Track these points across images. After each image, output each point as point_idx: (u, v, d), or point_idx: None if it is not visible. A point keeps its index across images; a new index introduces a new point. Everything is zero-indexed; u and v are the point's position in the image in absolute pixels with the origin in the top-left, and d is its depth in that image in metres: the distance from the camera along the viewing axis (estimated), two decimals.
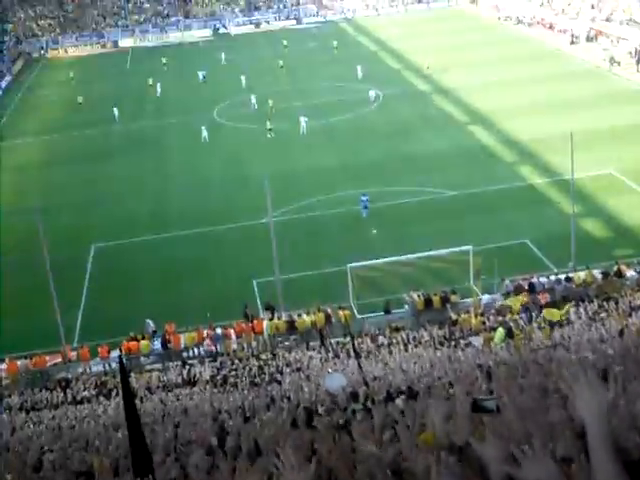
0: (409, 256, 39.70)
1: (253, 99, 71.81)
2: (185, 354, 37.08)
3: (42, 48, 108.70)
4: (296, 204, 49.06)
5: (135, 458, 7.66)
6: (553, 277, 38.72)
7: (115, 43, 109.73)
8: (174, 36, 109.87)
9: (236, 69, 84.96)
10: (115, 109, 72.50)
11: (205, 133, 64.19)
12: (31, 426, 26.42)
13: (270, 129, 63.69)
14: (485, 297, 38.12)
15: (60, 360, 36.73)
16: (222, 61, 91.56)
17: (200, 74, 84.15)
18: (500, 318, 35.46)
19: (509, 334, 31.43)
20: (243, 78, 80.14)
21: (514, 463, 3.93)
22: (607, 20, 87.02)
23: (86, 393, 32.90)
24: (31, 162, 64.80)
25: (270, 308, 38.13)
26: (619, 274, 38.18)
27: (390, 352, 32.22)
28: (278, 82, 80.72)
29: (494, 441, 4.20)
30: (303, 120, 63.91)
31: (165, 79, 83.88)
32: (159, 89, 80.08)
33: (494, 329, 33.23)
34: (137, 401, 28.55)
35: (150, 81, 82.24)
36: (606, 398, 3.72)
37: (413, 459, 5.40)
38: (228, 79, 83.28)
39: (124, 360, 32.40)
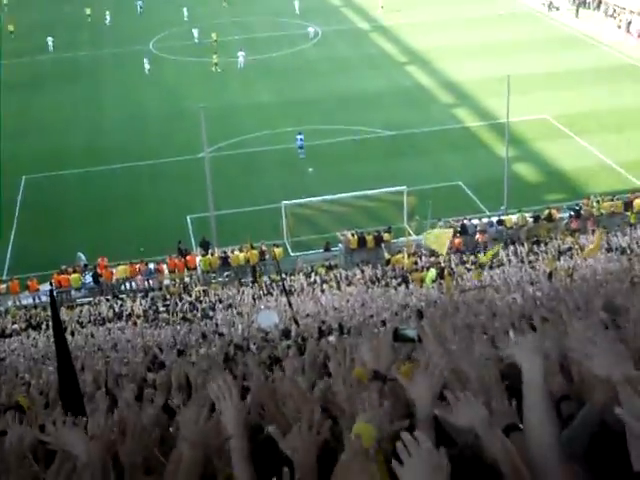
0: (344, 195, 39.81)
1: (195, 33, 70.41)
2: (117, 288, 36.89)
3: None
4: (233, 140, 48.67)
5: (64, 392, 7.59)
6: (485, 219, 39.23)
7: None
8: None
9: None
10: (49, 39, 70.28)
11: (147, 65, 62.95)
12: None
13: (216, 63, 62.91)
14: (418, 237, 38.47)
15: None
16: None
17: (138, 4, 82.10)
18: (432, 259, 35.90)
19: (440, 275, 31.88)
20: (185, 10, 78.51)
21: (444, 406, 4.00)
22: None
23: (15, 326, 32.58)
24: None
25: (205, 244, 38.00)
26: (550, 218, 38.85)
27: (322, 290, 32.45)
28: (218, 15, 79.21)
29: (421, 378, 4.26)
30: (241, 55, 63.16)
31: (100, 8, 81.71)
32: (108, 17, 78.01)
33: (427, 269, 33.66)
34: (68, 335, 28.37)
35: (88, 11, 79.75)
36: (540, 341, 3.81)
37: (342, 393, 5.47)
38: (167, 10, 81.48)
39: (54, 293, 32.09)
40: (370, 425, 3.88)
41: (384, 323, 17.03)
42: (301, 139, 46.21)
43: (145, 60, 63.42)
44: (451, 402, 3.91)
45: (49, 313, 34.09)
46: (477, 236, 38.12)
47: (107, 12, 78.56)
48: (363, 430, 3.85)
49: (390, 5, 77.18)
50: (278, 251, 36.97)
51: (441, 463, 3.18)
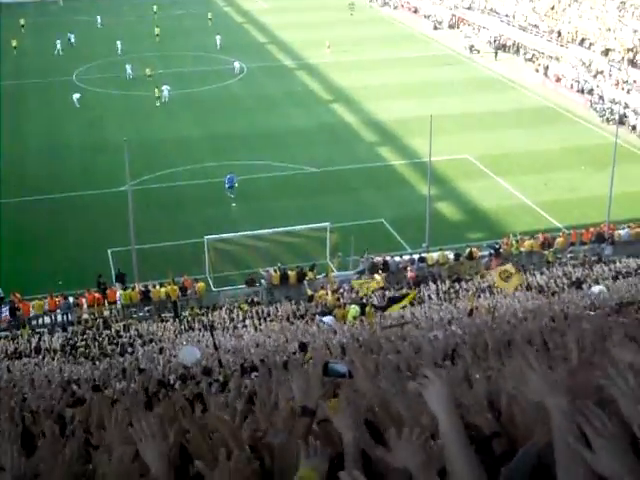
0: (267, 231, 39.85)
1: (129, 68, 69.33)
2: (34, 322, 36.11)
3: None
4: (156, 173, 48.32)
5: None
6: (407, 257, 39.57)
7: None
8: None
9: (110, 33, 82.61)
10: None
11: (76, 97, 62.13)
12: None
13: (158, 97, 62.66)
14: (340, 274, 38.63)
15: None
16: (98, 24, 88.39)
17: (70, 36, 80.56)
18: (354, 295, 36.01)
19: (362, 311, 31.95)
20: (119, 43, 77.70)
21: (381, 446, 3.96)
22: (469, 8, 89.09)
23: None
24: None
25: (120, 277, 37.52)
26: (470, 256, 39.39)
27: (245, 326, 32.27)
28: (147, 48, 78.77)
29: (347, 412, 4.23)
30: (165, 89, 62.94)
31: (25, 39, 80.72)
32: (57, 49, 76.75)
33: (349, 305, 33.73)
34: None
35: (14, 43, 78.10)
36: (449, 389, 3.81)
37: (270, 432, 5.42)
38: (99, 43, 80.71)
39: None
40: (314, 471, 3.84)
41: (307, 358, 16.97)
42: (230, 179, 45.29)
43: (75, 94, 62.51)
44: (390, 441, 3.85)
45: None
46: (408, 274, 38.18)
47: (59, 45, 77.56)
48: (308, 476, 3.81)
49: (335, 45, 77.76)
50: (201, 285, 36.75)
51: None
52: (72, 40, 79.88)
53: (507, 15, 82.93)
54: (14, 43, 78.17)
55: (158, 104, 62.51)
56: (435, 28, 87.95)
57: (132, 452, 4.23)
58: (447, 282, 36.74)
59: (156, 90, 62.89)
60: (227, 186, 45.15)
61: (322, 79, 69.75)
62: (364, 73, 69.71)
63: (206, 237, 37.85)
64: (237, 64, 71.03)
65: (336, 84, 68.10)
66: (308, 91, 67.03)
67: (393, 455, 3.81)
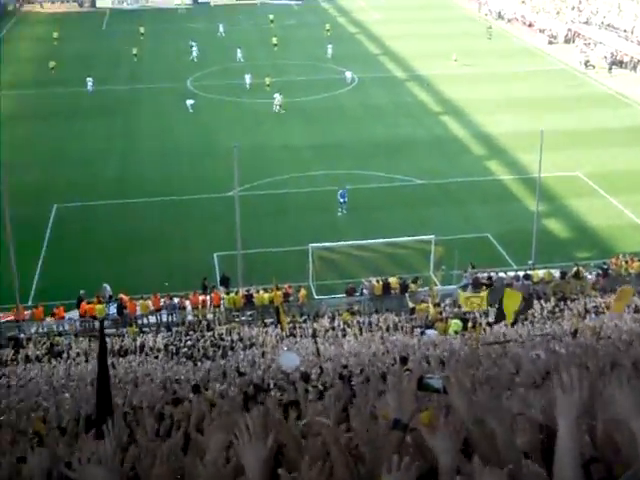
0: (372, 241, 39.86)
1: (248, 78, 69.53)
2: (140, 321, 36.94)
3: (17, 1, 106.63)
4: (264, 180, 48.90)
5: (100, 418, 7.70)
6: (512, 273, 39.01)
7: (93, 2, 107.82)
8: (153, 1, 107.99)
9: (229, 41, 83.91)
10: (89, 79, 69.09)
11: (190, 102, 63.42)
12: None
13: (280, 105, 63.37)
14: (443, 288, 38.36)
15: (13, 318, 36.42)
16: (219, 33, 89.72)
17: (193, 44, 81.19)
18: (456, 309, 35.71)
19: (464, 326, 31.67)
20: (239, 51, 78.81)
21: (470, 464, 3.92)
22: (586, 23, 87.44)
23: (38, 353, 32.67)
24: None
25: (225, 280, 38.05)
26: (577, 275, 38.57)
27: (345, 335, 32.32)
28: (264, 57, 79.69)
29: (443, 430, 4.20)
30: (278, 96, 63.60)
31: (145, 46, 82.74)
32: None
33: (451, 319, 33.47)
34: (89, 365, 28.44)
35: (135, 50, 79.74)
36: (582, 402, 3.73)
37: (364, 441, 5.42)
38: (217, 50, 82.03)
39: (79, 322, 32.26)
40: None
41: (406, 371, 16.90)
42: (342, 193, 44.92)
43: (189, 100, 63.80)
44: (476, 469, 3.80)
45: (69, 342, 34.28)
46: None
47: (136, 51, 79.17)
48: None
49: (445, 56, 77.30)
50: (304, 293, 37.00)
51: None
52: (194, 47, 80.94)
53: (625, 30, 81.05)
54: (134, 51, 79.75)
55: (277, 111, 63.22)
56: (550, 42, 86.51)
57: (225, 455, 4.28)
58: (552, 300, 36.09)
59: (279, 96, 63.48)
60: (341, 201, 44.84)
61: (433, 91, 69.37)
62: (476, 85, 69.07)
63: (311, 245, 38.10)
64: (349, 74, 71.24)
65: (446, 96, 67.66)
66: (418, 102, 66.79)
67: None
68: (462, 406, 4.63)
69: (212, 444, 4.85)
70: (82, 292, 36.91)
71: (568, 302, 35.70)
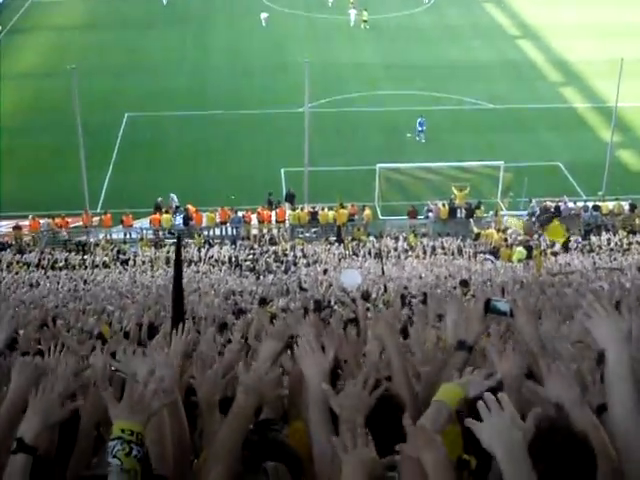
0: (439, 164, 39.51)
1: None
2: (205, 233, 37.35)
3: None
4: (334, 97, 48.58)
5: (175, 321, 7.96)
6: (581, 203, 38.47)
7: None
8: None
9: None
10: None
11: (264, 16, 62.88)
12: (48, 284, 26.84)
13: (365, 20, 62.61)
14: (509, 213, 38.05)
15: (82, 224, 37.12)
16: None
17: None
18: (521, 237, 35.43)
19: (529, 254, 31.45)
20: None
21: (534, 381, 3.92)
22: None
23: (105, 259, 33.35)
24: (73, 22, 64.07)
25: (290, 196, 38.15)
26: None
27: (408, 257, 32.36)
28: None
29: (512, 356, 4.19)
30: (353, 13, 62.72)
31: None
32: None
33: (516, 246, 33.28)
34: (154, 272, 28.95)
35: None
36: (626, 325, 3.68)
37: (419, 358, 5.44)
38: None
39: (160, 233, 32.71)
40: (457, 386, 3.83)
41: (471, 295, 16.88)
42: (421, 123, 43.87)
43: (263, 13, 63.23)
44: (544, 374, 3.82)
45: (135, 250, 34.91)
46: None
47: None
48: (449, 391, 3.80)
49: None
50: (368, 213, 36.99)
51: (525, 428, 3.10)
52: None
53: None
54: None
55: (363, 27, 62.58)
56: None
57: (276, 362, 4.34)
58: (620, 233, 35.58)
59: (364, 13, 62.53)
60: (419, 129, 43.85)
61: (512, 13, 67.65)
62: (555, 10, 67.01)
63: (378, 165, 37.88)
64: None
65: (526, 19, 65.93)
66: (495, 25, 65.23)
67: (546, 389, 3.78)
68: (528, 330, 4.60)
69: (263, 350, 4.91)
70: (159, 199, 37.38)
71: (637, 235, 35.20)
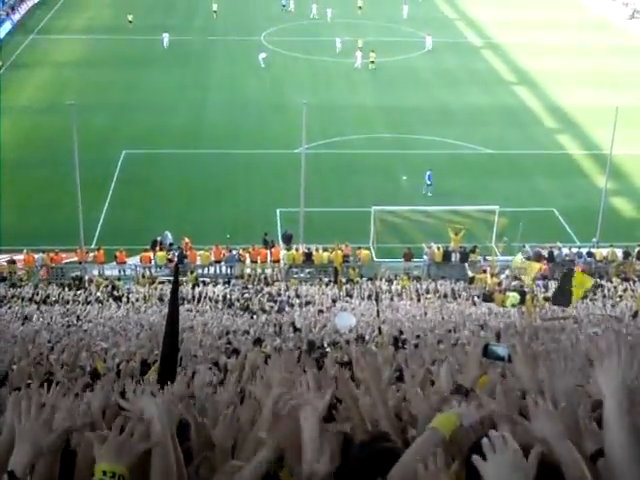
0: (434, 208, 39.66)
1: (338, 42, 68.09)
2: (199, 271, 37.32)
3: None
4: (331, 139, 48.83)
5: (164, 366, 7.88)
6: (575, 249, 38.55)
7: None
8: None
9: None
10: (165, 35, 68.10)
11: (262, 56, 63.34)
12: (41, 319, 26.76)
13: (373, 61, 63.51)
14: (504, 258, 38.10)
15: (76, 259, 37.08)
16: None
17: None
18: (515, 282, 35.46)
19: (522, 299, 31.46)
20: (314, 7, 79.02)
21: (521, 417, 3.95)
22: None
23: (99, 295, 33.28)
24: (73, 59, 64.57)
25: (287, 237, 38.22)
26: None
27: (402, 299, 32.36)
28: (339, 15, 79.14)
29: (504, 398, 4.20)
30: (359, 55, 63.42)
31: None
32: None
33: (510, 292, 33.27)
34: (147, 309, 28.87)
35: (215, 7, 78.40)
36: (629, 372, 3.71)
37: (417, 404, 5.42)
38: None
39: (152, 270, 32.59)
40: (452, 414, 3.85)
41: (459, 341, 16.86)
42: (429, 176, 42.95)
43: (262, 53, 63.71)
44: (530, 410, 3.86)
45: (129, 286, 34.85)
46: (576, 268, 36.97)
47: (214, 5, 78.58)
48: (444, 419, 3.82)
49: (523, 27, 75.98)
50: (365, 254, 37.05)
51: (527, 467, 3.14)
52: (284, 3, 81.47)
53: None
54: (214, 7, 78.63)
55: (371, 68, 63.72)
56: (632, 17, 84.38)
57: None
58: (614, 280, 35.63)
59: (372, 55, 63.59)
60: (428, 182, 43.02)
61: (508, 60, 68.32)
62: (552, 57, 67.68)
63: (374, 207, 38.00)
64: (429, 39, 69.90)
65: (521, 66, 66.57)
66: (492, 70, 65.83)
67: (532, 424, 3.81)
68: (526, 375, 4.62)
69: (265, 395, 4.90)
70: (159, 237, 37.47)
71: (630, 283, 35.24)
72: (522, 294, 32.50)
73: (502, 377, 6.23)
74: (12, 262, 36.54)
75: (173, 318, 8.28)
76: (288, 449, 4.14)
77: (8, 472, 3.72)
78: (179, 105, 54.86)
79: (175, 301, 8.47)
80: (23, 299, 32.24)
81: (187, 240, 37.21)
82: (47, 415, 3.98)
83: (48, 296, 33.00)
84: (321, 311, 28.33)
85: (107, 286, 34.95)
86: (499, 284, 34.87)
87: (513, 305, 31.17)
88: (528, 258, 37.36)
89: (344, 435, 4.36)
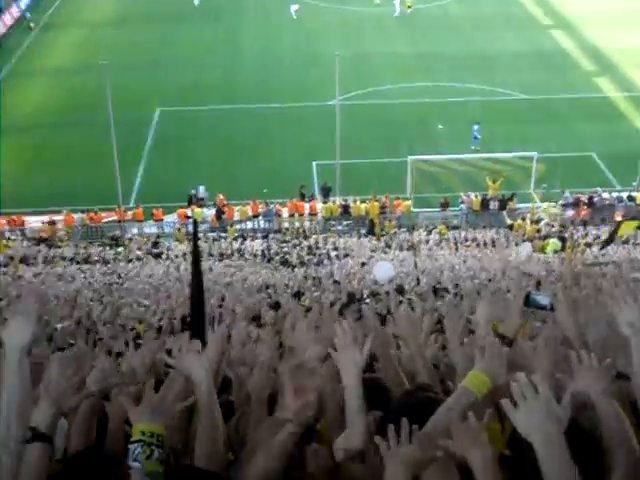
0: (471, 155, 39.35)
1: None
2: (238, 226, 37.42)
3: None
4: (365, 89, 48.45)
5: (194, 320, 7.89)
6: (615, 194, 38.11)
7: None
8: None
9: None
10: None
11: (294, 8, 62.74)
12: (82, 278, 27.03)
13: (410, 6, 62.66)
14: (542, 205, 37.79)
15: (115, 218, 37.35)
16: None
17: None
18: (555, 228, 35.20)
19: (563, 245, 31.24)
20: None
21: (564, 373, 3.88)
22: None
23: (138, 253, 33.53)
24: (104, 18, 64.38)
25: (325, 190, 38.17)
26: None
27: (441, 249, 32.25)
28: None
29: (545, 349, 4.15)
30: (397, 2, 62.60)
31: None
32: None
33: (548, 238, 33.06)
34: (187, 267, 29.01)
35: None
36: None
37: (456, 355, 5.39)
38: None
39: (178, 225, 32.81)
40: (484, 373, 3.81)
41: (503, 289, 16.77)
42: (477, 130, 42.03)
43: (293, 5, 63.04)
44: (573, 365, 3.79)
45: (168, 244, 35.07)
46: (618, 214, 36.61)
47: None
48: (477, 379, 3.77)
49: None
50: (405, 205, 36.94)
51: (560, 414, 3.06)
52: None
53: None
54: None
55: (408, 10, 62.74)
56: None
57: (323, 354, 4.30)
58: None
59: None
60: (475, 137, 42.01)
61: (543, 2, 67.02)
62: None
63: (410, 157, 37.76)
64: None
65: (557, 9, 65.31)
66: (527, 14, 64.67)
67: (575, 380, 3.74)
68: (569, 324, 4.56)
69: (309, 352, 4.88)
70: (193, 191, 37.57)
71: None
72: (563, 240, 32.27)
73: (543, 323, 6.18)
74: (52, 223, 36.88)
75: (197, 274, 8.26)
76: (323, 411, 4.11)
77: (31, 427, 3.74)
78: (212, 61, 54.61)
79: (197, 257, 8.44)
80: (64, 259, 32.60)
81: (222, 196, 37.26)
82: (73, 375, 3.97)
83: (89, 255, 33.32)
84: (362, 263, 28.29)
85: (147, 243, 35.18)
86: (538, 231, 34.63)
87: (555, 251, 30.97)
88: (566, 206, 36.98)
89: (382, 386, 4.35)
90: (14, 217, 36.96)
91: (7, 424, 3.80)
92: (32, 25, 61.50)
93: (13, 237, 36.82)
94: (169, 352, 4.34)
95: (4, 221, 37.38)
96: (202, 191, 38.06)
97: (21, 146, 43.48)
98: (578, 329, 4.49)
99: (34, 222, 37.50)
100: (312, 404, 3.88)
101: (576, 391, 3.72)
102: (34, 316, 4.06)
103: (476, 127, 42.01)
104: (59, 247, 34.93)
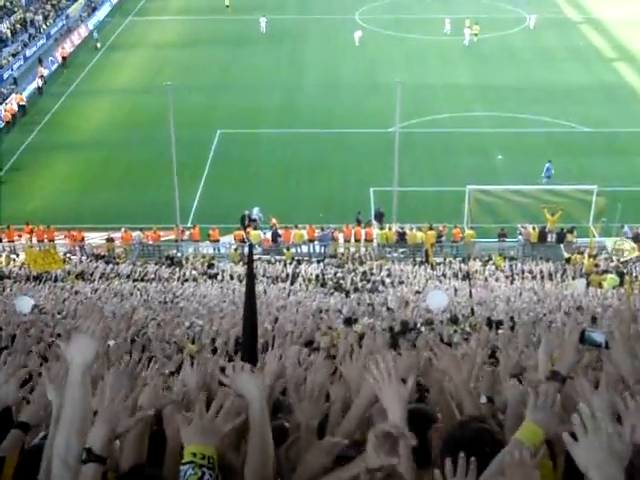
0: (530, 187, 39.02)
1: (447, 24, 66.18)
2: (293, 250, 37.50)
3: None
4: (425, 118, 48.42)
5: (246, 341, 7.93)
6: None
7: None
8: None
9: None
10: (262, 19, 66.57)
11: (358, 35, 63.15)
12: (138, 296, 27.30)
13: (476, 34, 63.27)
14: (601, 240, 37.32)
15: (172, 237, 37.71)
16: None
17: None
18: (613, 263, 34.72)
19: (621, 281, 30.79)
20: None
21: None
22: None
23: (194, 272, 33.76)
24: (170, 41, 65.42)
25: (379, 215, 38.15)
26: None
27: (497, 280, 32.00)
28: None
29: (605, 390, 4.08)
30: (467, 32, 63.34)
31: None
32: None
33: (606, 272, 32.60)
34: (241, 289, 29.16)
35: None
36: None
37: (510, 390, 5.34)
38: None
39: (237, 247, 33.01)
40: (537, 426, 3.75)
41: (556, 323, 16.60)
42: (548, 168, 41.08)
43: (357, 32, 63.43)
44: (620, 410, 3.70)
45: (224, 265, 35.25)
46: None
47: None
48: (531, 432, 3.72)
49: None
50: (470, 234, 36.72)
51: (622, 451, 2.96)
52: None
53: None
54: None
55: (475, 40, 63.37)
56: None
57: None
58: None
59: (475, 27, 63.44)
60: (544, 175, 41.30)
61: (607, 35, 66.48)
62: None
63: (468, 186, 37.60)
64: (533, 17, 68.36)
65: (623, 42, 64.72)
66: (590, 47, 64.19)
67: (624, 428, 3.65)
68: (625, 363, 4.49)
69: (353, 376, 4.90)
70: (246, 212, 37.75)
71: None
72: (621, 275, 31.80)
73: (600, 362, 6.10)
74: (110, 240, 37.35)
75: (250, 297, 8.32)
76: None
77: (85, 449, 3.79)
78: (274, 85, 55.10)
79: (251, 280, 8.48)
80: (121, 276, 32.96)
81: (274, 221, 37.38)
82: (128, 395, 4.03)
83: (146, 274, 33.65)
84: (416, 291, 28.18)
85: (203, 264, 35.42)
86: (596, 265, 34.17)
87: (613, 287, 30.51)
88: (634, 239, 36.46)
89: (427, 415, 4.32)
90: (74, 233, 37.46)
91: (67, 441, 3.87)
92: (99, 45, 62.73)
93: (72, 253, 37.32)
94: (223, 370, 4.36)
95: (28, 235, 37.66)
96: (255, 212, 38.24)
97: (83, 163, 44.33)
98: (634, 368, 4.42)
99: (93, 239, 38.02)
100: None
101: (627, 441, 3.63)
102: (98, 335, 4.13)
103: (548, 165, 41.31)
104: (117, 264, 35.32)
